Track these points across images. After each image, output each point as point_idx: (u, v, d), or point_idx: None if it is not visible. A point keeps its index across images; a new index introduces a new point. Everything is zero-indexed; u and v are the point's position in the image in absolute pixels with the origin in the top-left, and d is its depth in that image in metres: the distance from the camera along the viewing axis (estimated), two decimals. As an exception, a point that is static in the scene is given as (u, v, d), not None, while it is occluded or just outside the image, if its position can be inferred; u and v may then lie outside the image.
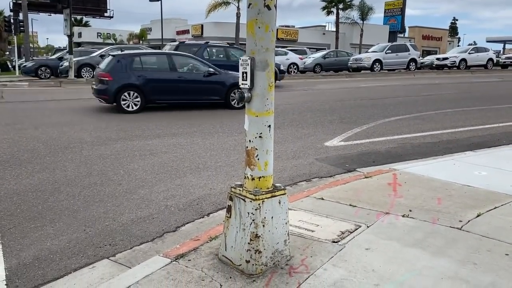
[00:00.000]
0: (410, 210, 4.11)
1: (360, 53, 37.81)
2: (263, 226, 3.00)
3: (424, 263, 3.11)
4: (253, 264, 2.98)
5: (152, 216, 4.49)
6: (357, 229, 3.73)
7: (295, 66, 27.79)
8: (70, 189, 5.25)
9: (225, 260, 3.18)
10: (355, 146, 7.63)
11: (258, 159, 3.01)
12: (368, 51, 31.49)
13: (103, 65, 11.87)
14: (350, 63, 29.75)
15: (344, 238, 3.55)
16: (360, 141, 8.01)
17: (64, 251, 3.72)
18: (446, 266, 3.07)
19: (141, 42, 54.08)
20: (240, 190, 3.09)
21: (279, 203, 3.09)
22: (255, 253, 2.98)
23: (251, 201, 2.98)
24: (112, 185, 5.43)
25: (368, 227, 3.76)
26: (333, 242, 3.49)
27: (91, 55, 22.98)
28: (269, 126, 3.02)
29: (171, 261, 3.22)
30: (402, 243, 3.43)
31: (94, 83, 11.99)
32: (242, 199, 3.05)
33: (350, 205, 4.33)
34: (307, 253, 3.28)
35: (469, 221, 3.84)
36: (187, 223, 4.36)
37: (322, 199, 4.50)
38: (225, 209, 3.25)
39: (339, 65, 30.46)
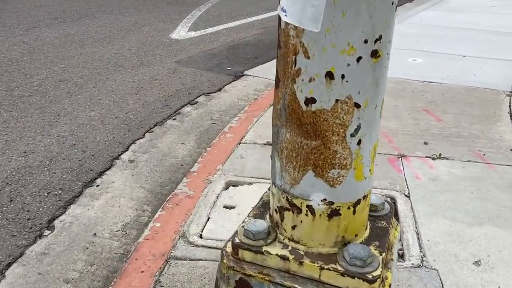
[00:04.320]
0: (425, 143, 2.49)
1: None
2: None
3: None
4: None
5: None
6: (394, 202, 1.93)
7: None
8: None
9: None
10: (214, 36, 5.47)
11: (362, 143, 0.76)
12: None
13: None
14: None
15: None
16: (214, 29, 5.87)
17: None
18: None
19: None
20: (297, 264, 0.83)
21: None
22: None
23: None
24: None
25: (408, 196, 1.99)
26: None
27: None
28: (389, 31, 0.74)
29: None
30: (501, 225, 1.80)
31: None
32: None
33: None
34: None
35: (521, 147, 2.45)
36: None
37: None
38: None
39: None
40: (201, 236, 1.71)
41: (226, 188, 2.01)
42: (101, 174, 2.47)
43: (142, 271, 1.57)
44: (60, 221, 2.07)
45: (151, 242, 1.72)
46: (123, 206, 2.19)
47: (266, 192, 1.04)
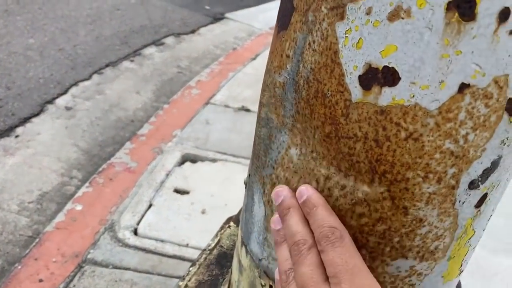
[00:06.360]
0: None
1: None
2: None
3: None
4: None
5: None
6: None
7: None
8: None
9: None
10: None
11: (487, 201, 0.28)
12: None
13: None
14: None
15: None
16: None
17: None
18: None
19: None
20: None
21: None
22: None
23: None
24: None
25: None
26: None
27: None
28: None
29: None
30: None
31: None
32: None
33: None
34: None
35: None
36: None
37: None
38: None
39: None
40: (135, 232, 1.23)
41: (182, 163, 1.52)
42: (25, 121, 1.92)
43: (41, 280, 1.08)
44: None
45: (63, 233, 1.23)
46: (46, 168, 1.67)
47: (227, 226, 0.56)
